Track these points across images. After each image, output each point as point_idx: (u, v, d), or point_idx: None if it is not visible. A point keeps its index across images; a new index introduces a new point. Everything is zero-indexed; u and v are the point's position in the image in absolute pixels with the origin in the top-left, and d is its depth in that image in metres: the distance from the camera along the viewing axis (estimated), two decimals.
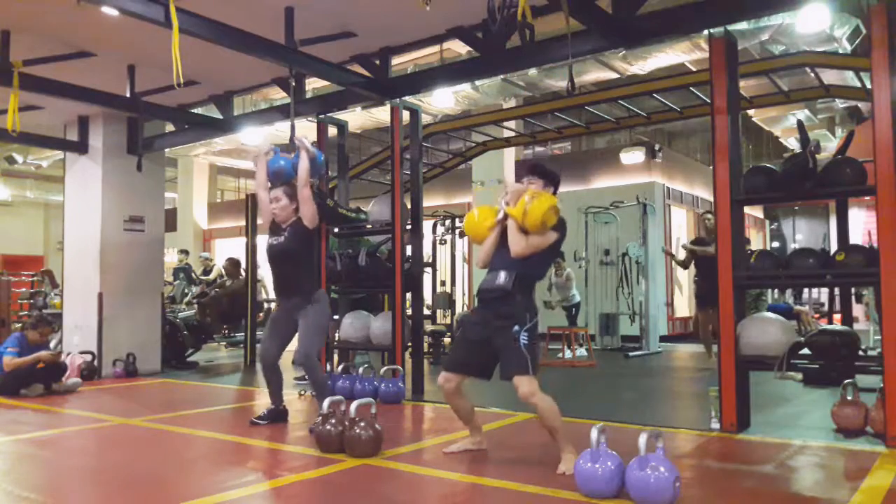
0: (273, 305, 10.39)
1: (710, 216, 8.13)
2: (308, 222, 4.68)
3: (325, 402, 3.98)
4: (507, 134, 11.54)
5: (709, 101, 4.71)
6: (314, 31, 5.55)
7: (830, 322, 8.98)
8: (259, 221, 9.45)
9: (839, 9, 7.14)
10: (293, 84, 6.02)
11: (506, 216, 3.70)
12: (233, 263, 9.89)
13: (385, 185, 11.15)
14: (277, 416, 4.83)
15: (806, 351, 4.40)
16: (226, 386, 7.27)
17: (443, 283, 12.40)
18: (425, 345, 7.99)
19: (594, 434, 3.03)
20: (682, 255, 8.65)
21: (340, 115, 7.03)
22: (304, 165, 4.66)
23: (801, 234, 19.71)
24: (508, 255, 3.66)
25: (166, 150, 8.86)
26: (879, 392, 4.10)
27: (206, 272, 12.92)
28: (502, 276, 3.64)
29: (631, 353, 9.70)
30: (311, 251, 4.90)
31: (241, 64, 6.05)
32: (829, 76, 8.69)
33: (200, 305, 9.71)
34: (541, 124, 11.44)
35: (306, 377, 4.91)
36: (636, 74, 8.43)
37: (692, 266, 8.40)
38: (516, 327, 3.56)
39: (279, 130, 10.51)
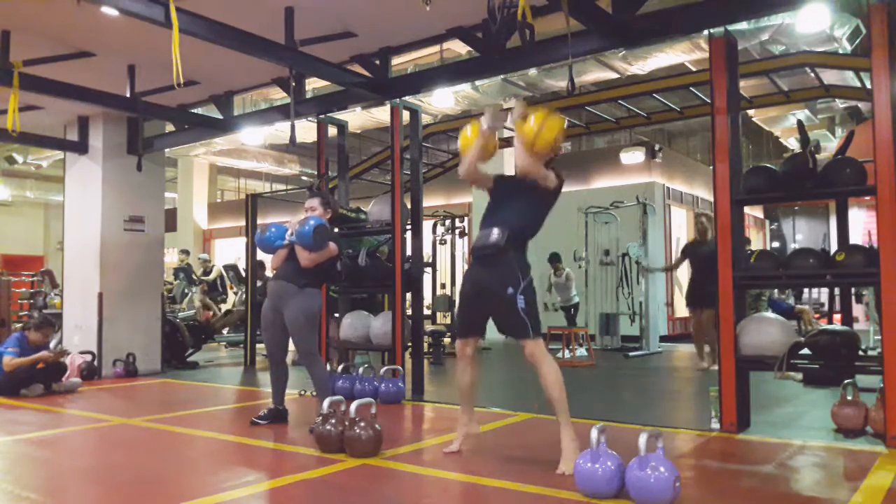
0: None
1: (703, 220, 8.11)
2: (303, 260, 4.62)
3: (325, 402, 3.98)
4: (507, 134, 11.53)
5: (709, 101, 4.71)
6: (314, 31, 5.55)
7: (830, 322, 8.98)
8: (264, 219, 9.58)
9: (839, 9, 7.15)
10: (293, 84, 6.02)
11: (490, 132, 3.76)
12: (259, 265, 9.89)
13: (385, 185, 11.16)
14: (277, 416, 4.82)
15: (806, 351, 4.40)
16: (226, 386, 7.26)
17: (443, 286, 12.40)
18: (425, 345, 7.99)
19: (594, 434, 3.02)
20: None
21: (340, 115, 7.02)
22: (303, 256, 4.60)
23: (801, 234, 19.69)
24: (503, 213, 3.71)
25: (166, 150, 8.86)
26: (879, 392, 4.10)
27: (206, 273, 12.96)
28: (495, 233, 3.67)
29: (631, 353, 9.70)
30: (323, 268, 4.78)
31: (241, 64, 6.05)
32: (829, 76, 8.71)
33: (231, 315, 10.23)
34: None
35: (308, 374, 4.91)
36: (636, 74, 8.44)
37: (690, 266, 8.36)
38: (510, 290, 3.57)
39: (279, 130, 10.54)
